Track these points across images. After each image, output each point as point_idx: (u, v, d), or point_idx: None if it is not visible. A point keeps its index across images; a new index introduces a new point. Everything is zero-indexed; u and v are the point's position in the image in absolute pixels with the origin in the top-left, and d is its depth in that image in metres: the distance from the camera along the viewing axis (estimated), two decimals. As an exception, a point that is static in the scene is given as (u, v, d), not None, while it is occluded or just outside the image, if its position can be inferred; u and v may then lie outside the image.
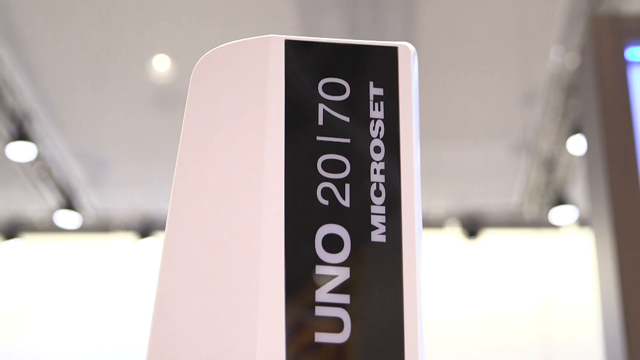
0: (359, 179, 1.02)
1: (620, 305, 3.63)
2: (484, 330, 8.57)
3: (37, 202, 8.34)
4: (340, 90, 1.05)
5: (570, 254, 8.75)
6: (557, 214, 7.98)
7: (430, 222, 8.49)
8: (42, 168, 7.66)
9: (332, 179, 1.01)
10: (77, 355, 8.55)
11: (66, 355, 8.55)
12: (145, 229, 8.78)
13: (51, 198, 8.15)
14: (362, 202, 1.01)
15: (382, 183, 1.02)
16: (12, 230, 8.90)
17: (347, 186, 1.01)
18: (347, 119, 1.04)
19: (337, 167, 1.02)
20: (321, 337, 0.97)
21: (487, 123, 7.07)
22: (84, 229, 8.82)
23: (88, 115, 6.98)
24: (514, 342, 8.46)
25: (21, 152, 7.20)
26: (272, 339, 0.97)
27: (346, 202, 1.01)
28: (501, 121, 7.05)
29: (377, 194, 1.02)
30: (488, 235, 8.71)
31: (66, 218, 8.40)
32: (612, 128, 3.68)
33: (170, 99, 6.75)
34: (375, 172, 1.02)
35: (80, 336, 8.63)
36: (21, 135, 7.06)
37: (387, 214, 1.01)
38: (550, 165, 7.55)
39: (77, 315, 8.74)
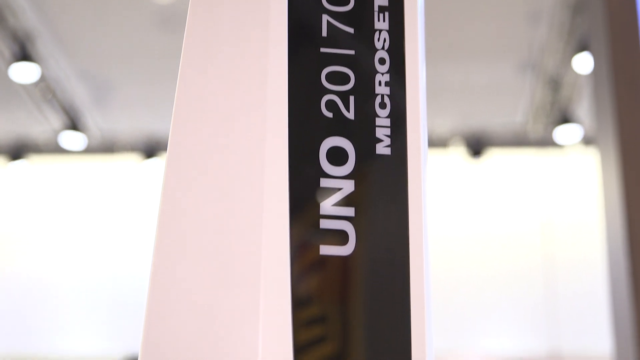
0: (364, 91, 1.00)
1: (624, 224, 3.64)
2: (487, 250, 8.62)
3: (42, 123, 8.33)
4: (344, 0, 1.04)
5: (575, 173, 8.75)
6: (562, 132, 7.95)
7: (434, 142, 8.47)
8: (46, 89, 7.63)
9: (336, 91, 1.00)
10: (82, 276, 8.63)
11: (71, 276, 8.63)
12: (150, 150, 8.78)
13: (56, 119, 8.13)
14: (366, 115, 1.00)
15: (387, 95, 1.01)
16: (17, 152, 8.90)
17: (352, 98, 1.00)
18: (351, 30, 1.02)
19: (341, 79, 1.00)
20: (326, 250, 0.97)
21: (492, 41, 7.00)
22: (89, 150, 8.82)
23: (92, 35, 6.92)
24: (517, 262, 8.52)
25: (24, 73, 7.15)
26: (277, 253, 0.97)
27: (350, 115, 1.00)
28: (506, 39, 6.98)
29: (382, 106, 1.01)
30: (492, 155, 8.70)
31: (71, 139, 8.40)
32: (619, 45, 3.64)
33: (174, 19, 6.68)
34: (379, 84, 1.01)
35: (85, 257, 8.70)
36: (24, 55, 7.01)
37: (391, 127, 1.00)
38: (555, 83, 7.50)
39: (82, 236, 8.80)
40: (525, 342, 8.39)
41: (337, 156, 0.99)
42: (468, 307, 8.47)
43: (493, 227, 8.71)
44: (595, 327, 7.89)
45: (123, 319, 8.31)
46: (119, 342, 8.26)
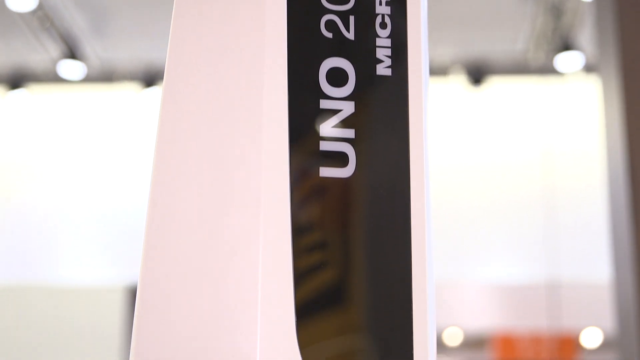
0: (364, 11, 0.99)
1: (625, 153, 3.63)
2: (487, 179, 8.62)
3: (40, 52, 8.27)
4: None
5: (576, 101, 8.72)
6: (563, 60, 7.90)
7: (434, 70, 8.42)
8: (44, 17, 7.55)
9: (336, 10, 0.98)
10: (82, 205, 8.65)
11: (71, 205, 8.65)
12: (150, 79, 8.73)
13: (54, 48, 8.07)
14: (367, 35, 0.98)
15: (387, 15, 0.99)
16: (16, 81, 8.85)
17: (352, 18, 0.98)
18: (350, -53, 1.00)
19: (341, -2, 0.99)
20: (326, 172, 0.96)
21: (495, -32, 6.92)
22: (88, 79, 8.77)
23: (88, -38, 6.84)
24: (517, 191, 8.53)
25: (21, 1, 7.08)
26: (276, 176, 0.96)
27: (350, 35, 0.98)
28: (509, -34, 6.90)
29: (383, 26, 0.99)
30: (493, 83, 8.66)
31: (70, 68, 8.35)
32: (623, -30, 3.60)
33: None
34: (380, 3, 0.99)
35: (85, 187, 8.71)
36: (20, -17, 6.93)
37: (392, 47, 0.99)
38: (557, 10, 7.43)
39: (82, 165, 8.80)
40: (524, 270, 8.45)
41: (337, 77, 0.98)
42: (467, 236, 8.50)
43: (493, 156, 8.71)
44: (595, 256, 7.94)
45: (124, 248, 8.35)
46: (121, 271, 8.32)
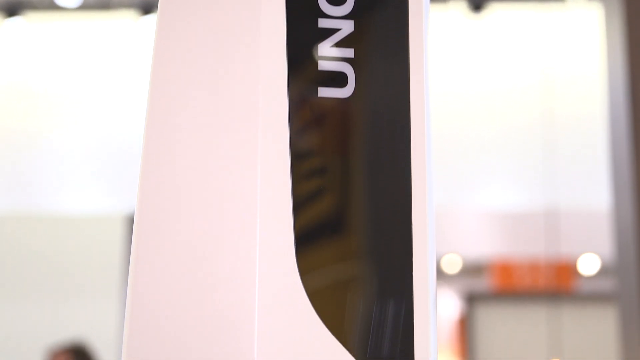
0: None
1: (626, 79, 3.60)
2: (486, 105, 8.59)
3: (35, -21, 8.17)
4: None
5: (577, 27, 8.64)
6: (565, -13, 7.81)
7: (435, -3, 8.33)
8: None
9: None
10: (79, 134, 8.63)
11: (69, 134, 8.63)
12: (147, 6, 8.64)
13: (49, -25, 7.97)
14: (367, -49, 0.97)
15: None
16: (13, 9, 8.76)
17: None
18: None
19: None
20: (325, 92, 0.95)
21: None
22: (84, 7, 8.68)
23: None
24: (516, 118, 8.50)
25: None
26: (274, 94, 0.95)
27: (350, -49, 0.97)
28: None
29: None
30: (494, 10, 8.57)
31: (66, -5, 8.26)
32: None
33: None
34: None
35: (84, 114, 8.68)
36: None
37: (393, -36, 0.97)
38: None
39: (79, 94, 8.75)
40: (522, 197, 8.46)
41: (336, -5, 0.96)
42: (466, 163, 8.50)
43: (493, 83, 8.66)
44: (594, 183, 7.95)
45: (124, 177, 8.35)
46: (120, 200, 8.33)
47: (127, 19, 8.75)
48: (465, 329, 9.01)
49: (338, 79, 0.95)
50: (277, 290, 0.92)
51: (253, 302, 0.92)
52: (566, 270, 8.29)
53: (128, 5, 8.69)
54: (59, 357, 3.71)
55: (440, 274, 8.77)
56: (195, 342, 0.92)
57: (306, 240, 0.94)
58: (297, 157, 0.95)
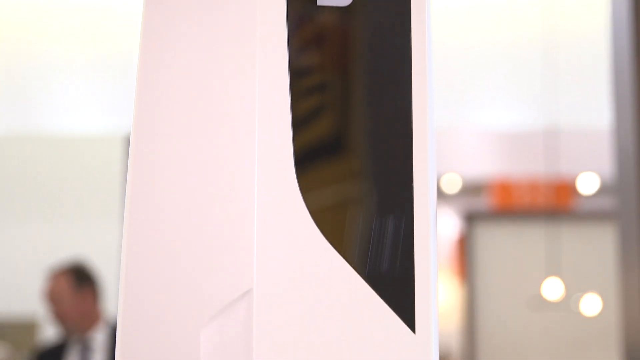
0: None
1: (629, -7, 3.55)
2: (486, 20, 8.50)
3: None
4: None
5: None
6: None
7: None
8: None
9: None
10: (79, 54, 8.57)
11: (68, 53, 8.56)
12: None
13: None
14: None
15: None
16: None
17: None
18: None
19: None
20: (323, 1, 0.94)
21: None
22: None
23: None
24: (516, 32, 8.41)
25: None
26: (272, 3, 0.94)
27: None
28: None
29: None
30: None
31: None
32: None
33: None
34: None
35: (85, 33, 8.61)
36: None
37: None
38: None
39: (80, 13, 8.67)
40: (522, 116, 8.44)
41: None
42: (465, 81, 8.46)
43: (493, 1, 8.57)
44: (594, 101, 7.92)
45: (123, 98, 8.32)
46: (119, 121, 8.31)
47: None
48: (465, 248, 9.07)
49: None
50: (278, 208, 0.93)
51: (252, 220, 0.92)
52: (565, 189, 8.32)
53: None
54: (59, 277, 3.73)
55: (439, 194, 8.79)
56: (192, 262, 0.93)
57: (306, 159, 0.94)
58: (296, 74, 0.94)
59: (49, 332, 6.61)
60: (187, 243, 0.93)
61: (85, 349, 3.66)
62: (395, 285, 0.92)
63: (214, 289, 0.93)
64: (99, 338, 3.64)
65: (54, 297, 3.68)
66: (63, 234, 7.77)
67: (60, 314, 3.67)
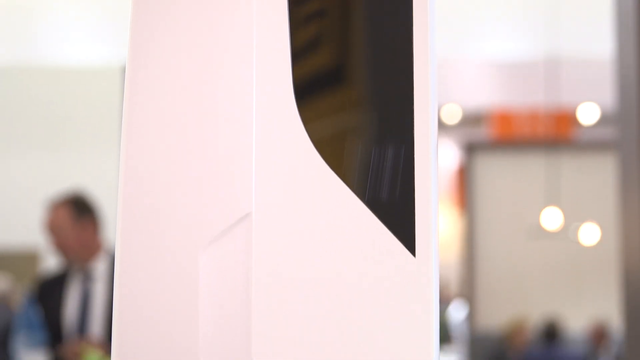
0: None
1: None
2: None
3: None
4: None
5: None
6: None
7: None
8: None
9: None
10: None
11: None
12: None
13: None
14: None
15: None
16: None
17: None
18: None
19: None
20: None
21: None
22: None
23: None
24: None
25: None
26: None
27: None
28: None
29: None
30: None
31: None
32: None
33: None
34: None
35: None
36: None
37: None
38: None
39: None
40: (522, 46, 8.38)
41: None
42: (465, 11, 8.38)
43: None
44: (596, 31, 7.86)
45: (123, 28, 8.25)
46: (118, 51, 8.26)
47: None
48: (464, 178, 9.09)
49: None
50: (277, 133, 0.93)
51: (250, 145, 0.92)
52: (565, 119, 8.30)
53: None
54: (59, 208, 3.73)
55: (440, 125, 8.76)
56: (191, 186, 0.93)
57: (306, 90, 0.93)
58: (295, 1, 0.93)
59: (50, 263, 6.66)
60: (186, 168, 0.93)
61: (87, 279, 3.68)
62: (395, 210, 0.91)
63: (213, 213, 0.93)
64: (100, 268, 3.65)
65: (54, 228, 3.69)
66: (63, 165, 7.77)
67: (61, 245, 3.68)
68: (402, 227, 0.91)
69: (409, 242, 0.91)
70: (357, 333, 0.91)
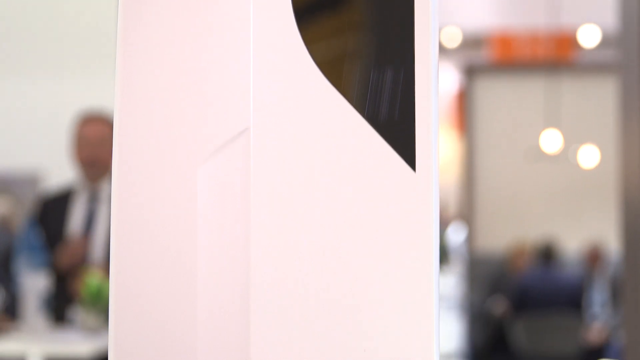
0: None
1: None
2: None
3: None
4: None
5: None
6: None
7: None
8: None
9: None
10: None
11: None
12: None
13: None
14: None
15: None
16: None
17: None
18: None
19: None
20: None
21: None
22: None
23: None
24: None
25: None
26: None
27: None
28: None
29: None
30: None
31: None
32: None
33: None
34: None
35: None
36: None
37: None
38: None
39: None
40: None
41: None
42: None
43: None
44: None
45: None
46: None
47: None
48: (464, 101, 9.06)
49: None
50: (275, 47, 0.92)
51: (248, 61, 0.92)
52: (566, 41, 8.23)
53: None
54: (98, 122, 3.69)
55: (440, 48, 8.70)
56: (190, 101, 0.93)
57: (306, 12, 0.92)
58: None
59: (51, 185, 6.67)
60: (184, 84, 0.93)
61: (93, 199, 3.66)
62: (396, 127, 0.91)
63: (211, 128, 0.92)
64: (107, 189, 3.64)
65: (93, 140, 3.65)
66: (62, 87, 7.73)
67: (93, 158, 3.63)
68: (403, 143, 0.91)
69: (409, 158, 0.91)
70: (358, 244, 0.91)
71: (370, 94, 0.91)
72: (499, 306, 7.43)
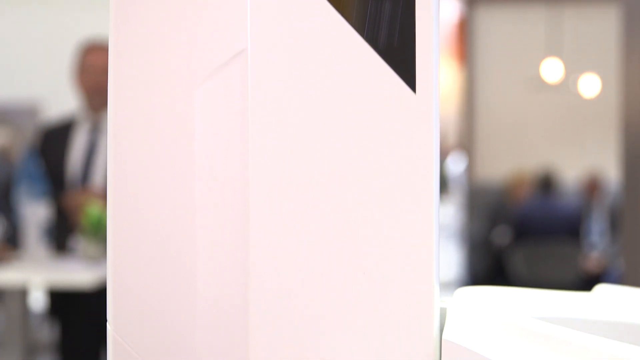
0: None
1: None
2: None
3: None
4: None
5: None
6: None
7: None
8: None
9: None
10: None
11: None
12: None
13: None
14: None
15: None
16: None
17: None
18: None
19: None
20: None
21: None
22: None
23: None
24: None
25: None
26: None
27: None
28: None
29: None
30: None
31: None
32: None
33: None
34: None
35: None
36: None
37: None
38: None
39: None
40: None
41: None
42: None
43: None
44: None
45: None
46: None
47: None
48: (465, 31, 8.98)
49: None
50: None
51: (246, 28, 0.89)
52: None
53: None
54: (102, 51, 3.66)
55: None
56: (185, 21, 0.91)
57: None
58: None
59: (50, 115, 6.65)
60: (180, 3, 0.92)
61: (95, 130, 3.65)
62: (396, 49, 0.90)
63: (207, 49, 0.91)
64: (109, 119, 3.63)
65: (98, 69, 3.62)
66: (60, 18, 7.66)
67: (99, 86, 3.60)
68: (402, 64, 0.89)
69: (409, 78, 0.89)
70: (358, 165, 0.91)
71: (372, 16, 0.90)
72: (499, 235, 7.46)
